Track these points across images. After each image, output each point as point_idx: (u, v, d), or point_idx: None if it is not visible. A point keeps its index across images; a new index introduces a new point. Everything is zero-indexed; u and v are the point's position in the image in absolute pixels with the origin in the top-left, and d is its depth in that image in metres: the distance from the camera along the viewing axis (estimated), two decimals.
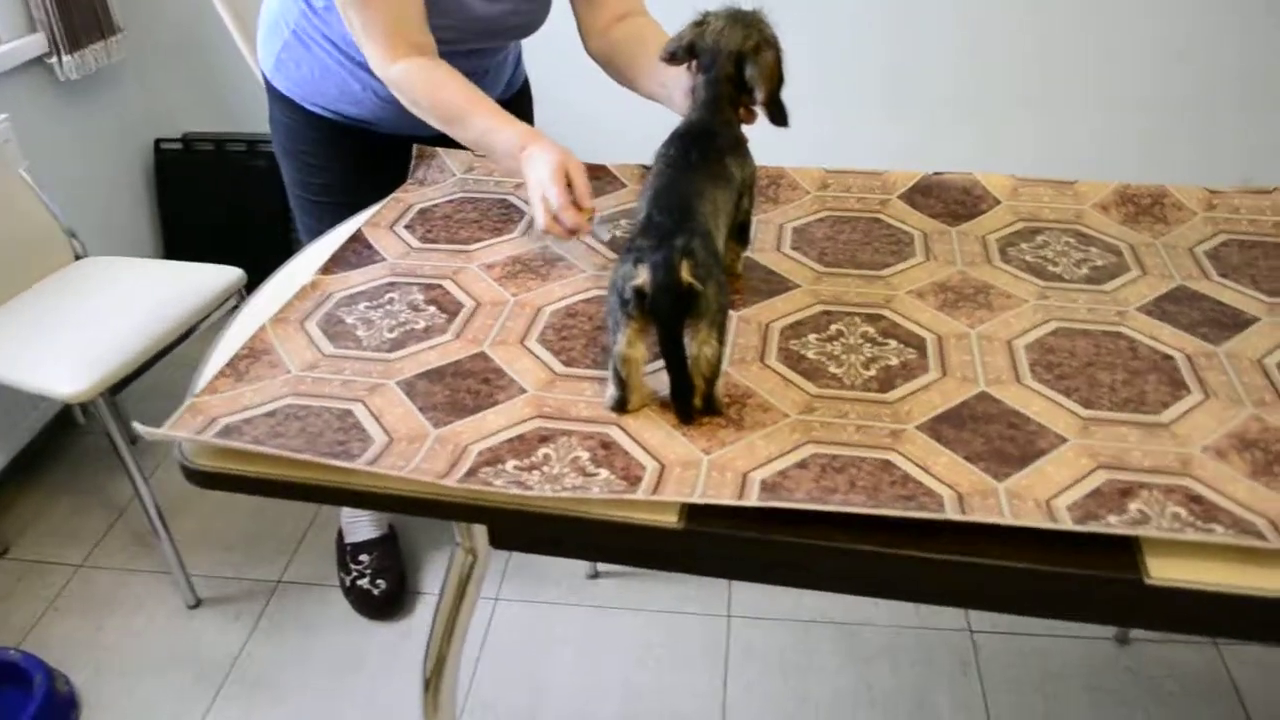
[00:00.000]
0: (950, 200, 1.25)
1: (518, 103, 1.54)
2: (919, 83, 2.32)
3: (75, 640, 1.70)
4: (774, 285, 1.09)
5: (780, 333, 1.01)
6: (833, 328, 1.01)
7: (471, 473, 0.82)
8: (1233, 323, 1.00)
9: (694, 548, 0.79)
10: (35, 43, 2.01)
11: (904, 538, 0.75)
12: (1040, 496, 0.78)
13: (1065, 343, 0.97)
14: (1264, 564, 0.71)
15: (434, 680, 0.99)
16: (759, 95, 1.02)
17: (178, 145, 2.55)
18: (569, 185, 1.08)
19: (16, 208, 1.78)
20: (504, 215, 1.27)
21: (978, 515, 0.74)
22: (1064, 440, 0.84)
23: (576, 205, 1.08)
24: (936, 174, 1.28)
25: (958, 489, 0.79)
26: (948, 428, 0.86)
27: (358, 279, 1.14)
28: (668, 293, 0.84)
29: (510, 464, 0.84)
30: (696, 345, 0.86)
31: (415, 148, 1.39)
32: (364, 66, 1.34)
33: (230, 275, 1.80)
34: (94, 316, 1.66)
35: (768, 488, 0.79)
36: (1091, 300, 1.04)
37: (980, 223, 1.21)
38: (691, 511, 0.78)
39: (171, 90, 2.53)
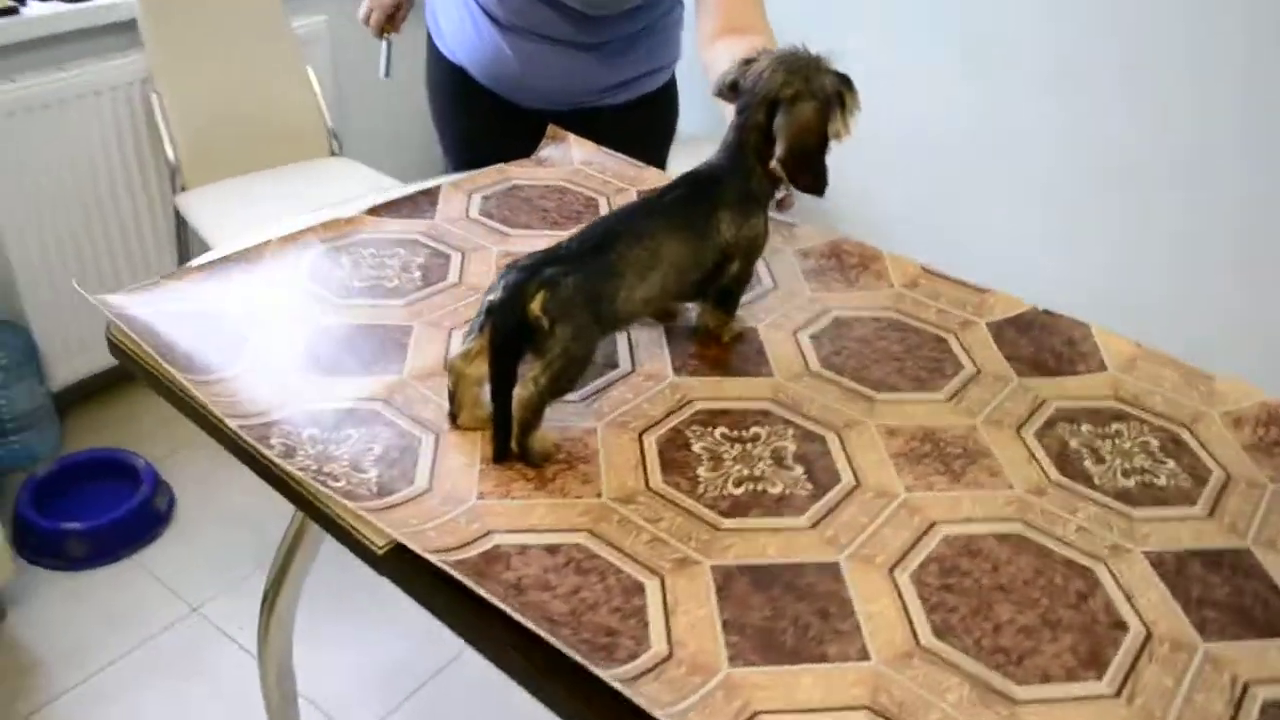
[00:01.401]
0: (1045, 346, 1.02)
1: (645, 107, 1.51)
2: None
3: (204, 474, 1.96)
4: (749, 367, 0.97)
5: (695, 414, 0.89)
6: (753, 430, 0.87)
7: (268, 425, 0.83)
8: (1265, 625, 0.72)
9: (395, 576, 0.73)
10: None
11: (567, 670, 0.63)
12: (756, 707, 0.62)
13: (1004, 553, 0.76)
14: None
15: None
16: (778, 149, 0.90)
17: None
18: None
19: (293, 98, 2.07)
20: (575, 213, 1.24)
21: (634, 691, 0.61)
22: (866, 659, 0.66)
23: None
24: (1047, 312, 1.05)
25: (677, 653, 0.65)
26: (747, 583, 0.71)
27: (393, 227, 1.18)
28: (508, 317, 0.79)
29: (308, 431, 0.83)
30: (521, 383, 0.79)
31: (550, 127, 1.41)
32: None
33: None
34: (300, 204, 1.88)
35: (490, 557, 0.71)
36: (1095, 521, 0.80)
37: (1061, 384, 0.97)
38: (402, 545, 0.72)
39: None
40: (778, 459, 0.84)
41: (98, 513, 1.77)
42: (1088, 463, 0.87)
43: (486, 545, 0.73)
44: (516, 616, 0.65)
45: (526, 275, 0.79)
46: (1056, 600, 0.72)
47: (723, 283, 0.95)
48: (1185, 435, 0.91)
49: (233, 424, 0.82)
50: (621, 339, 0.99)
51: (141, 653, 1.62)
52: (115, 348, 0.96)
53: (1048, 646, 0.68)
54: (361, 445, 0.82)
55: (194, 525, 1.86)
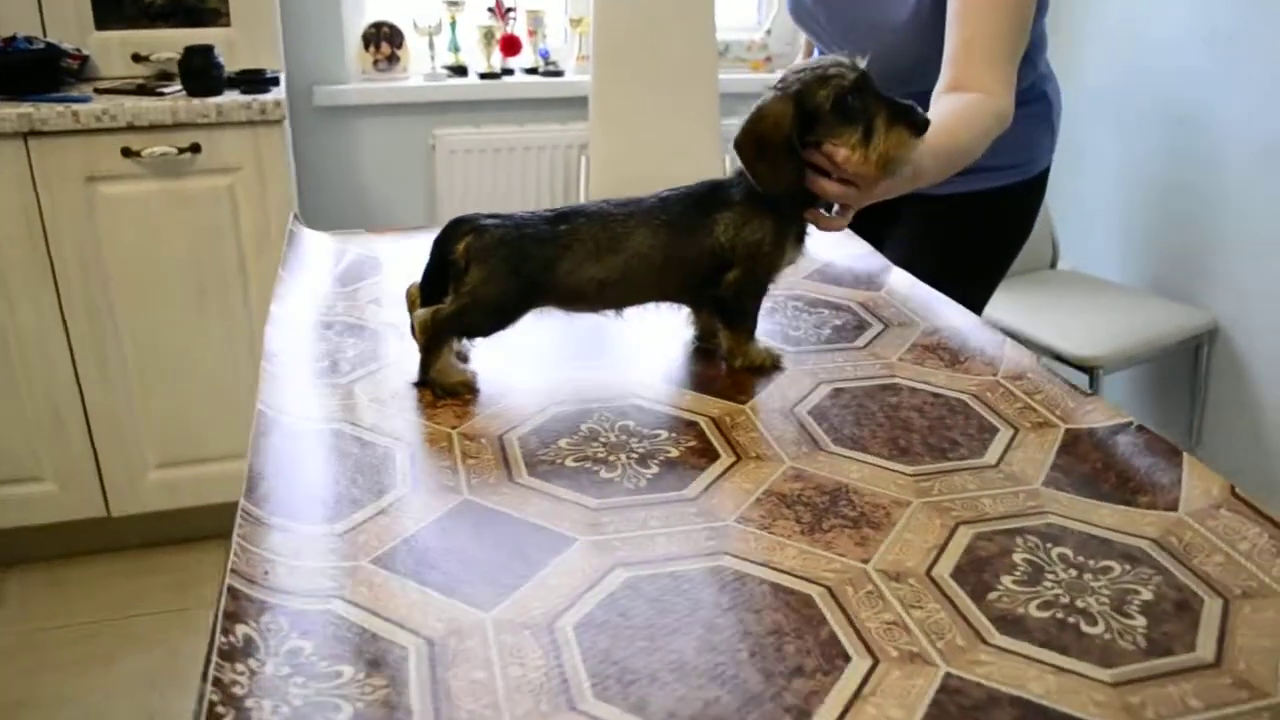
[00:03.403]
0: (1115, 466, 0.78)
1: (959, 206, 1.38)
2: None
3: None
4: (729, 392, 0.90)
5: (615, 406, 0.86)
6: (655, 430, 0.82)
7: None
8: None
9: None
10: None
11: None
12: (363, 602, 0.61)
13: (759, 599, 0.62)
14: None
15: None
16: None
17: None
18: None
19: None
20: None
21: (251, 511, 0.64)
22: (480, 611, 0.61)
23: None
24: (1141, 427, 0.80)
25: (379, 518, 0.67)
26: (475, 520, 0.69)
27: None
28: (437, 252, 0.87)
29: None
30: (426, 308, 0.86)
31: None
32: None
33: None
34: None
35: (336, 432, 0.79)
36: (930, 625, 0.60)
37: (1093, 509, 0.74)
38: None
39: None
40: (644, 457, 0.78)
41: None
42: (1008, 578, 0.65)
43: (330, 425, 0.81)
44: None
45: (465, 221, 0.86)
46: (750, 660, 0.57)
47: (719, 291, 0.91)
48: (1209, 605, 0.63)
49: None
50: (637, 350, 0.98)
51: None
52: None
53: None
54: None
55: None
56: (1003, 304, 2.07)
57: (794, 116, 0.85)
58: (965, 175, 1.31)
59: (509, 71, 2.36)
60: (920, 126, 0.86)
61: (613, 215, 0.88)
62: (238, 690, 0.52)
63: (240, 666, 0.53)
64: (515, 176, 2.34)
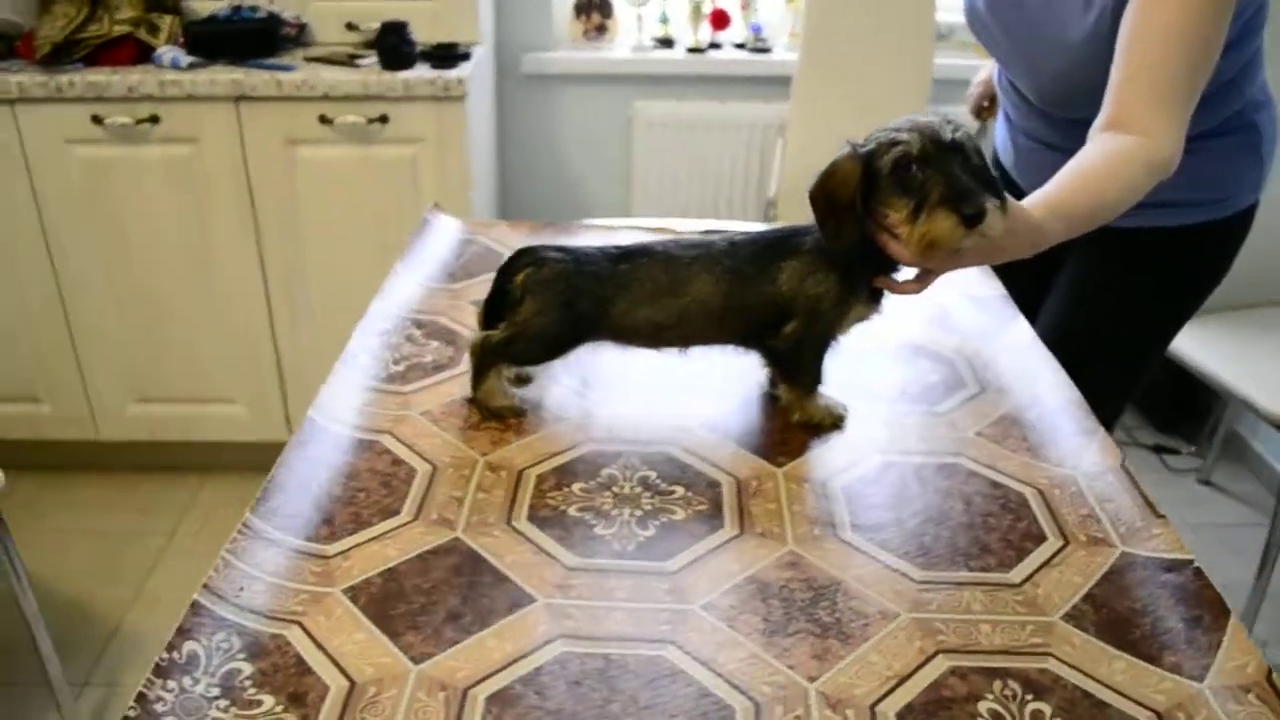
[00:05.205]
0: (1152, 613, 0.69)
1: (1137, 242, 1.25)
2: None
3: None
4: (769, 449, 0.88)
5: (650, 452, 0.87)
6: (673, 488, 0.82)
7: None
8: None
9: None
10: None
11: None
12: (320, 632, 0.67)
13: (672, 696, 0.62)
14: None
15: None
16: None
17: None
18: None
19: None
20: None
21: (261, 520, 0.71)
22: (419, 660, 0.64)
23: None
24: (1198, 571, 0.70)
25: (342, 562, 0.72)
26: (452, 564, 0.73)
27: None
28: (498, 281, 0.90)
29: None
30: (480, 334, 0.89)
31: None
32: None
33: None
34: None
35: (367, 440, 0.86)
36: None
37: (1102, 657, 0.67)
38: None
39: None
40: (647, 516, 0.79)
41: None
42: None
43: (373, 436, 0.87)
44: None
45: (529, 252, 0.89)
46: None
47: (777, 342, 0.88)
48: None
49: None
50: (705, 390, 0.97)
51: None
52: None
53: None
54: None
55: None
56: (1202, 339, 1.84)
57: (860, 177, 0.81)
58: (1152, 208, 1.18)
59: (716, 46, 2.34)
60: (972, 218, 0.78)
61: (677, 257, 0.88)
62: (160, 707, 0.59)
63: (172, 684, 0.60)
64: (710, 153, 2.33)
